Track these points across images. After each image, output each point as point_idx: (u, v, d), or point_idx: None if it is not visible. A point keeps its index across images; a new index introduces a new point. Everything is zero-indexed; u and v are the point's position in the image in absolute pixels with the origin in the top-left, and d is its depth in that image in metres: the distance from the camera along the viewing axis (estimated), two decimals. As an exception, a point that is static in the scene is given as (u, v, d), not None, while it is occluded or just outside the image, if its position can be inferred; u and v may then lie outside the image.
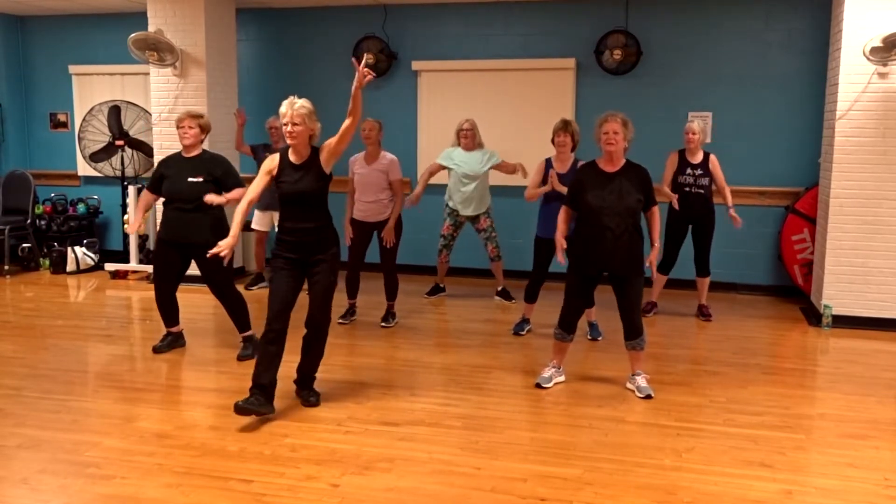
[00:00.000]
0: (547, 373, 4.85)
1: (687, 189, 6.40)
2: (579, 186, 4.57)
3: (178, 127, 5.32)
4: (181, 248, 5.33)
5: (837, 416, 4.44)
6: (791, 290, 7.34)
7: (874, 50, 6.03)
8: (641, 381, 4.76)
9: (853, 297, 6.36)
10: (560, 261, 4.81)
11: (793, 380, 5.12)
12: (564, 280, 4.77)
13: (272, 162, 4.33)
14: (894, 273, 6.28)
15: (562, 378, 4.90)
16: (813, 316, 6.62)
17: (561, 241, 4.71)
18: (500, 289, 7.21)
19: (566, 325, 4.77)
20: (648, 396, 4.65)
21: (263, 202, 7.21)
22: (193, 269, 5.40)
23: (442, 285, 7.39)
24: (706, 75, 7.53)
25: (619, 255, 4.49)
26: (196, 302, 6.65)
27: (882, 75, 6.15)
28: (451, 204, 6.94)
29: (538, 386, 4.76)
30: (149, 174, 8.35)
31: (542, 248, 5.74)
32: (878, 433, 4.17)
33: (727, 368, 5.31)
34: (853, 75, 6.22)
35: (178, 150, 5.43)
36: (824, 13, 7.05)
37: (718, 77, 7.52)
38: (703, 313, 6.65)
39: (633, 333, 4.67)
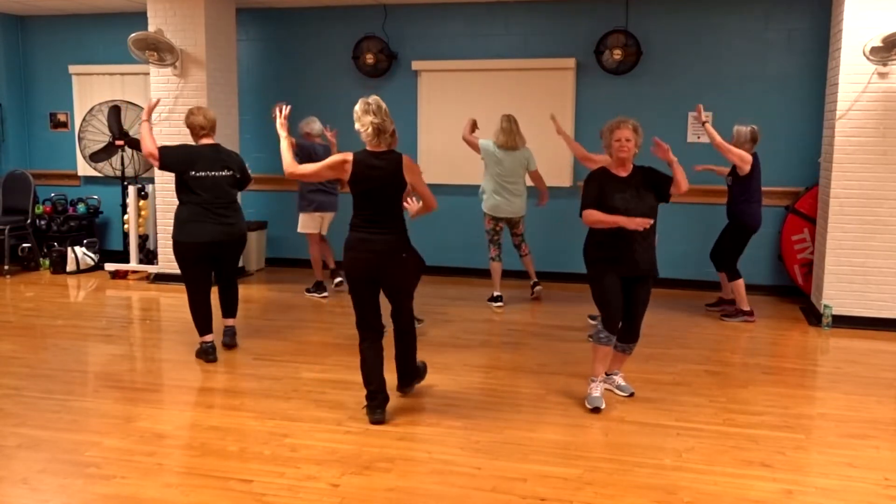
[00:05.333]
0: (596, 391, 4.50)
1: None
2: (599, 190, 4.40)
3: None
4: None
5: (837, 416, 4.44)
6: (791, 290, 7.34)
7: (874, 50, 6.03)
8: (621, 380, 4.76)
9: (853, 297, 6.36)
10: (634, 225, 4.28)
11: (793, 380, 5.12)
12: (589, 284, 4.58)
13: None
14: (894, 273, 6.28)
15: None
16: (813, 316, 6.62)
17: (627, 220, 4.26)
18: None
19: (612, 326, 4.45)
20: (632, 394, 4.66)
21: (315, 204, 7.23)
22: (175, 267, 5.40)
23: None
24: (706, 75, 7.53)
25: (647, 256, 4.39)
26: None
27: (882, 75, 6.15)
28: None
29: (596, 410, 4.40)
30: (149, 174, 8.40)
31: None
32: (878, 433, 4.17)
33: (727, 368, 5.31)
34: (853, 75, 6.22)
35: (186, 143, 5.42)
36: (824, 13, 7.05)
37: (718, 77, 7.51)
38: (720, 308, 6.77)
39: (632, 336, 4.60)
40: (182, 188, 5.21)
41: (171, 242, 5.32)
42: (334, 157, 4.27)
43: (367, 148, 4.21)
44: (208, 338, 5.35)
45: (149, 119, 5.38)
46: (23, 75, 9.26)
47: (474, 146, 6.87)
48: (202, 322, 5.34)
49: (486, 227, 6.98)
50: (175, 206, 5.33)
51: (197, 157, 5.23)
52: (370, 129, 4.13)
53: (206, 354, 5.32)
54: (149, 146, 5.20)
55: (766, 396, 4.72)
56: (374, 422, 4.18)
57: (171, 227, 5.31)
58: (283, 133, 4.42)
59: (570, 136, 6.75)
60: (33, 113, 9.31)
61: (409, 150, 8.17)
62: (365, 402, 4.26)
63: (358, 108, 4.17)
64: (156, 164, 5.20)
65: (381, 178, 4.16)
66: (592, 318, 6.14)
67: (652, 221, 4.28)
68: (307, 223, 7.32)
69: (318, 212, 7.26)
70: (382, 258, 4.19)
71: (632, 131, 4.36)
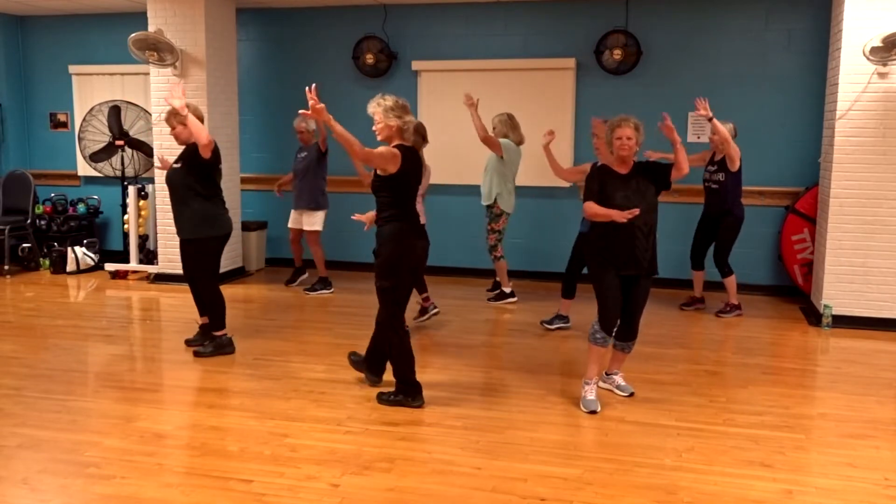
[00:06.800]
0: (591, 393, 4.50)
1: (705, 184, 6.72)
2: (601, 187, 4.41)
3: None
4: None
5: (837, 415, 4.44)
6: (791, 290, 7.34)
7: (874, 50, 6.03)
8: (620, 380, 4.76)
9: (853, 297, 6.36)
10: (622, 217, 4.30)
11: (793, 380, 5.12)
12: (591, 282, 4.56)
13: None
14: (894, 273, 6.28)
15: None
16: (813, 316, 6.62)
17: (618, 213, 4.28)
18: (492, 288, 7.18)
19: (608, 327, 4.46)
20: (631, 394, 4.66)
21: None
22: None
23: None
24: (706, 75, 7.53)
25: (648, 254, 4.39)
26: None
27: (882, 75, 6.15)
28: None
29: (593, 413, 4.38)
30: (149, 174, 8.41)
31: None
32: (878, 433, 4.18)
33: (727, 368, 5.31)
34: (853, 75, 6.22)
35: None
36: (824, 13, 7.05)
37: (718, 77, 7.51)
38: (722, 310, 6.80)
39: (631, 335, 4.60)
40: (210, 182, 5.24)
41: (175, 242, 5.32)
42: (388, 149, 4.31)
43: (401, 143, 4.39)
44: (226, 330, 5.48)
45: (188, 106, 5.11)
46: (23, 75, 9.25)
47: (496, 146, 6.69)
48: (224, 315, 5.46)
49: (501, 226, 6.89)
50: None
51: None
52: (411, 127, 4.41)
53: (226, 347, 5.44)
54: (207, 134, 5.05)
55: (766, 396, 4.72)
56: (422, 404, 4.48)
57: (183, 226, 5.27)
58: (330, 120, 4.21)
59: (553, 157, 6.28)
60: (33, 113, 9.31)
61: (409, 150, 8.19)
62: (407, 395, 4.48)
63: (392, 104, 4.35)
64: (208, 153, 5.07)
65: (418, 172, 4.51)
66: (547, 322, 6.25)
67: (637, 211, 4.24)
68: (322, 220, 7.45)
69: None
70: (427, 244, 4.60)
71: (633, 129, 4.37)
